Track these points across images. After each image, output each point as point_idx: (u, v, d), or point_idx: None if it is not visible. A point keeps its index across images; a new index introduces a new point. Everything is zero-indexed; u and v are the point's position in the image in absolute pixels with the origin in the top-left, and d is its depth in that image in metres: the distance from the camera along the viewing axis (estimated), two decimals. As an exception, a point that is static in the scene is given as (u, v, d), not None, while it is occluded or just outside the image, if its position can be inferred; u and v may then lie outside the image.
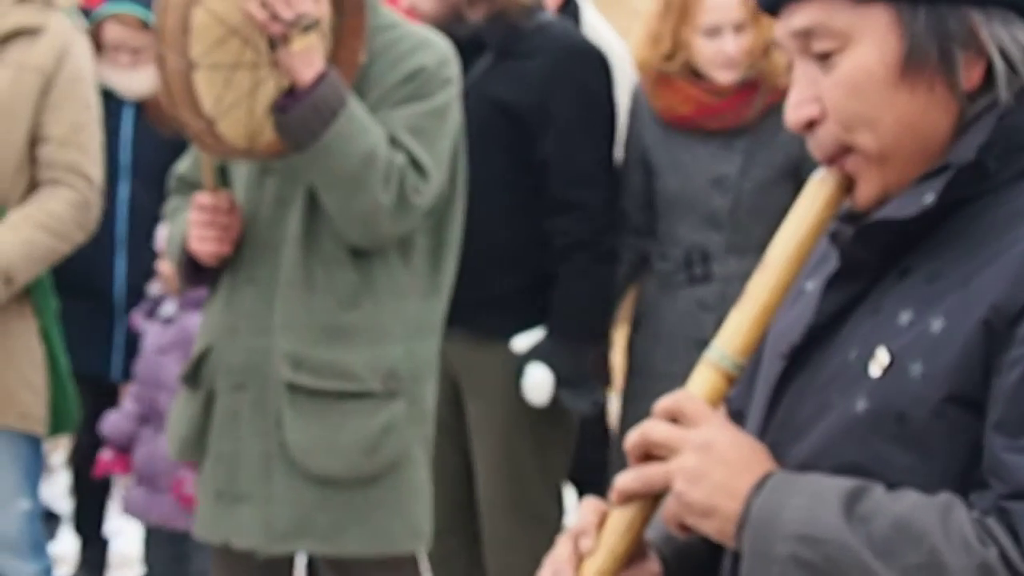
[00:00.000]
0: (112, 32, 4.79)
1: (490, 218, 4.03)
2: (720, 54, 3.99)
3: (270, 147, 3.22)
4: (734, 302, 4.11)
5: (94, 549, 5.20)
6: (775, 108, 4.04)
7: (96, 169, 3.73)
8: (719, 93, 4.04)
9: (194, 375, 3.42)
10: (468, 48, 3.92)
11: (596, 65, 4.20)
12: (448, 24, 3.96)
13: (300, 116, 3.10)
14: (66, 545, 5.47)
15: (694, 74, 4.06)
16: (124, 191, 4.89)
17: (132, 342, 4.80)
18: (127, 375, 4.85)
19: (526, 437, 4.18)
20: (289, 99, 3.12)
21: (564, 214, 4.10)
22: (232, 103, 3.10)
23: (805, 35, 1.59)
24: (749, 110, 4.04)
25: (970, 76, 1.55)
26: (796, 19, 1.59)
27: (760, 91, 4.03)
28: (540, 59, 4.10)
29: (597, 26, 4.92)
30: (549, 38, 4.15)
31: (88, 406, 5.07)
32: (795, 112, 1.61)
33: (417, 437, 3.38)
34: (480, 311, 4.09)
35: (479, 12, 4.10)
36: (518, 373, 4.09)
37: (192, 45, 3.02)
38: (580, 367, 4.11)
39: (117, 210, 4.86)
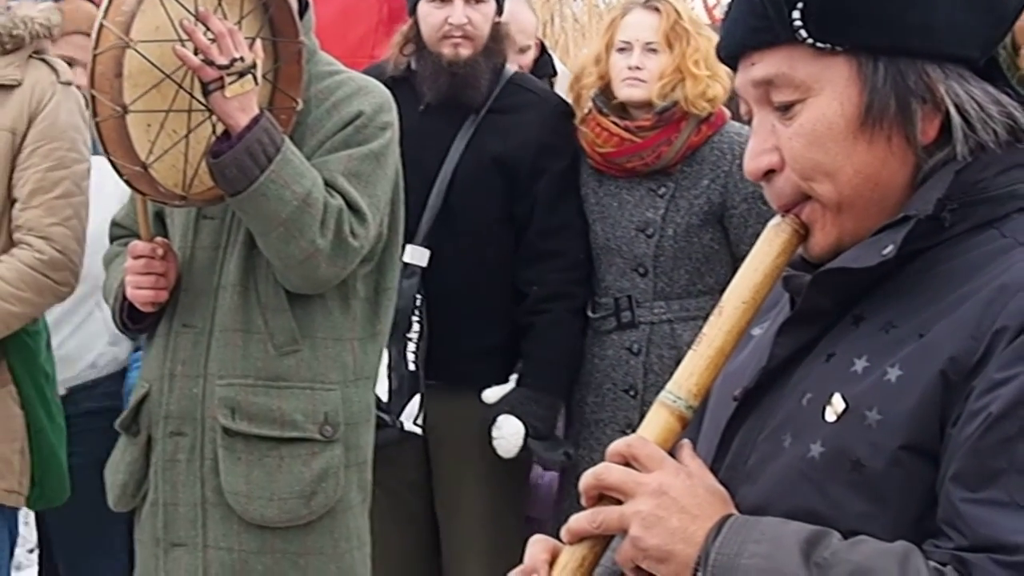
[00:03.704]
0: None
1: (478, 270, 4.08)
2: (624, 70, 4.13)
3: (206, 192, 3.23)
4: (659, 347, 4.18)
5: None
6: (698, 153, 4.11)
7: (61, 228, 3.56)
8: (638, 131, 4.13)
9: (132, 421, 3.41)
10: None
11: (570, 120, 4.28)
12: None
13: (234, 161, 3.10)
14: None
15: (622, 109, 4.18)
16: None
17: None
18: None
19: (502, 486, 4.19)
20: (223, 144, 3.12)
21: (541, 263, 4.14)
22: (167, 148, 3.10)
23: (765, 85, 1.60)
24: (668, 149, 4.12)
25: (926, 130, 1.57)
26: (757, 69, 1.60)
27: (680, 132, 4.10)
28: (530, 113, 4.19)
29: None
30: (531, 93, 4.27)
31: None
32: (754, 161, 1.62)
33: (354, 483, 3.37)
34: (459, 363, 4.11)
35: None
36: (489, 424, 4.08)
37: (126, 90, 3.01)
38: (551, 419, 4.12)
39: None
